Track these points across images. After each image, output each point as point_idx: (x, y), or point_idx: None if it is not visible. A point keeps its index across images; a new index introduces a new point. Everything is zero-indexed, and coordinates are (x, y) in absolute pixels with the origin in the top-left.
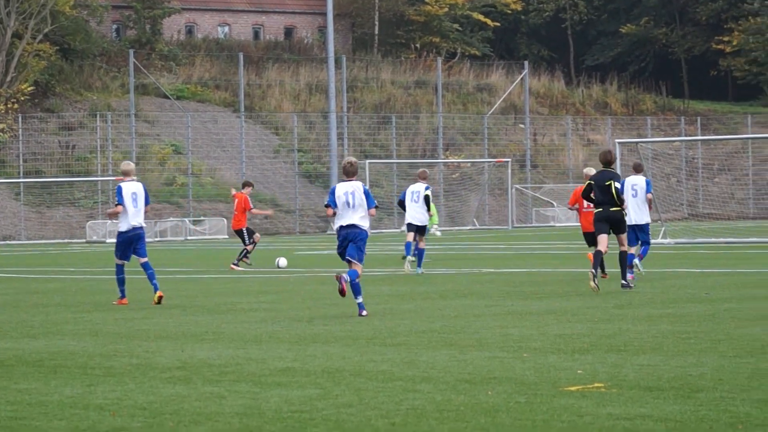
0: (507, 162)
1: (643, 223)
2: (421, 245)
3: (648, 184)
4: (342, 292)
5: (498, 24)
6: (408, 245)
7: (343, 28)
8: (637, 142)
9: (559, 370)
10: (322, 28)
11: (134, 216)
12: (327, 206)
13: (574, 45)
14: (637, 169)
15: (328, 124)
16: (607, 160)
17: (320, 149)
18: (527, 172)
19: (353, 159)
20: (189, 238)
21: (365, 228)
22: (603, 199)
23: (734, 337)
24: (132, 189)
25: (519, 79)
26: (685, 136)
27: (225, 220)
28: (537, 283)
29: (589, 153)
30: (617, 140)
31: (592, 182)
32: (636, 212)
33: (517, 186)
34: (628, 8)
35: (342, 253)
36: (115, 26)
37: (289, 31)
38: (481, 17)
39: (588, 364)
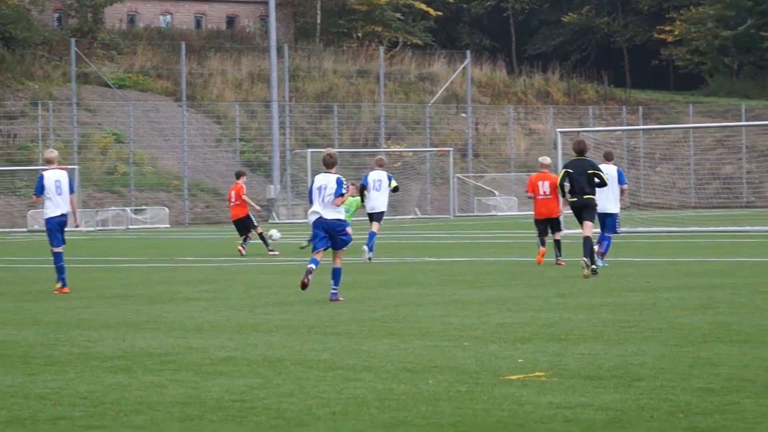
0: (449, 151)
1: (612, 212)
2: (374, 229)
3: (620, 174)
4: (303, 285)
5: (440, 13)
6: (372, 234)
7: (285, 17)
8: (578, 131)
9: (500, 359)
10: (264, 17)
11: (59, 203)
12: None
13: (516, 34)
14: (608, 158)
15: (269, 113)
16: (581, 149)
17: (262, 138)
18: (469, 161)
19: (333, 150)
20: (130, 227)
21: (342, 218)
22: (583, 188)
23: (675, 326)
24: (55, 177)
25: (461, 68)
26: (627, 125)
27: (166, 209)
28: (478, 272)
29: (530, 142)
30: (559, 129)
31: (570, 171)
32: (606, 201)
33: (459, 175)
34: None
35: (321, 242)
36: (56, 15)
37: (231, 20)
38: (423, 6)
39: (529, 353)
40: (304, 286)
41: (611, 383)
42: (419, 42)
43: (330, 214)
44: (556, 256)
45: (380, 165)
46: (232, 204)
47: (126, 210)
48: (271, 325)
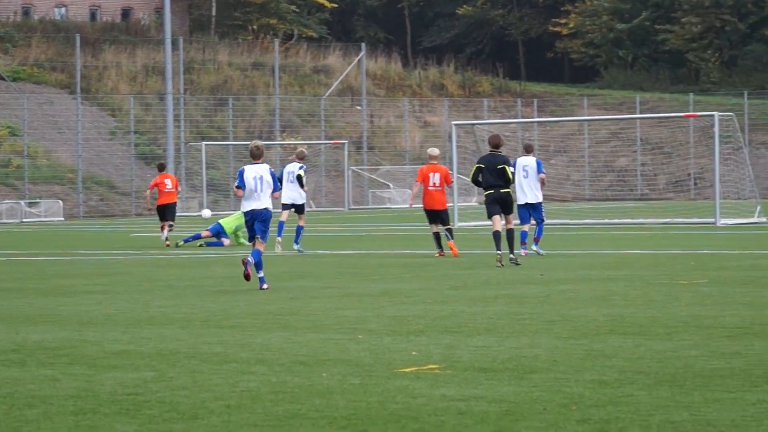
0: (343, 144)
1: (536, 202)
2: (301, 223)
3: (539, 164)
4: (247, 277)
5: (335, 6)
6: (281, 224)
7: (180, 10)
8: (473, 124)
9: (393, 351)
10: (159, 10)
11: None
12: (237, 188)
13: (411, 27)
14: (528, 150)
15: (164, 105)
16: (496, 144)
17: (157, 131)
18: (364, 154)
19: (260, 142)
20: (24, 220)
21: (270, 209)
22: (494, 182)
23: (568, 318)
24: None
25: (356, 61)
26: (522, 117)
27: (60, 202)
28: (373, 265)
29: (425, 135)
30: (453, 122)
31: (482, 165)
32: (529, 192)
33: (354, 168)
34: None
35: (252, 237)
36: None
37: (126, 13)
38: None
39: (422, 345)
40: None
41: (505, 376)
42: (314, 34)
43: (263, 204)
44: (439, 247)
45: (300, 158)
46: (167, 190)
47: (20, 203)
48: (165, 319)
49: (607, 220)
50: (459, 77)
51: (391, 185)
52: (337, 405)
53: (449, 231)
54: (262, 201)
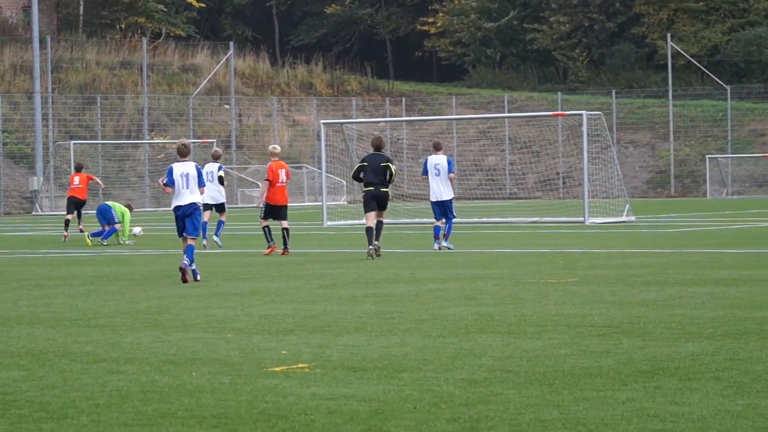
0: (212, 143)
1: (447, 199)
2: (222, 218)
3: (449, 163)
4: (184, 281)
5: (203, 5)
6: (204, 225)
7: (48, 8)
8: (342, 123)
9: (263, 350)
10: (26, 8)
11: None
12: (165, 185)
13: (279, 25)
14: (437, 148)
15: (32, 104)
16: (378, 146)
17: (25, 130)
18: (233, 152)
19: (186, 140)
20: None
21: (199, 204)
22: (374, 180)
23: (438, 317)
24: None
25: (224, 59)
26: (390, 116)
27: None
28: (242, 264)
29: (294, 133)
30: (322, 121)
31: (365, 164)
32: (439, 190)
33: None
34: None
35: (181, 230)
36: None
37: None
38: None
39: (292, 344)
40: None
41: (374, 374)
42: (182, 33)
43: (188, 200)
44: (284, 246)
45: (216, 158)
46: (75, 186)
47: None
48: (35, 318)
49: (476, 219)
50: (327, 76)
51: (260, 184)
52: (206, 404)
53: (287, 235)
54: (188, 197)
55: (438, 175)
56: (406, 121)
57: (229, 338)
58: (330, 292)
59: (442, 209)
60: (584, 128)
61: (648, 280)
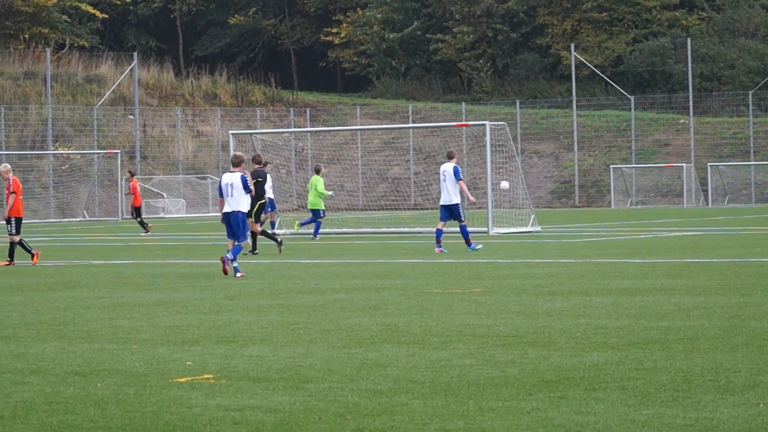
0: (117, 153)
1: (453, 203)
2: None
3: (456, 170)
4: (225, 272)
5: (106, 16)
6: None
7: None
8: (250, 133)
9: (168, 361)
10: None
11: None
12: (220, 197)
13: (183, 36)
14: (449, 156)
15: None
16: (258, 161)
17: None
18: (137, 163)
19: (239, 153)
20: None
21: (242, 211)
22: (258, 193)
23: (343, 327)
24: None
25: (128, 70)
26: (295, 127)
27: None
28: (147, 275)
29: (199, 144)
30: (230, 131)
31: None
32: (445, 195)
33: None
34: None
35: (229, 233)
36: None
37: None
38: (89, 9)
39: (197, 355)
40: (226, 272)
41: (280, 385)
42: (86, 44)
43: (234, 207)
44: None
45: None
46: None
47: None
48: None
49: (382, 229)
50: (232, 86)
51: (165, 195)
52: (112, 415)
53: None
54: (232, 205)
55: (444, 180)
56: (310, 131)
57: (134, 349)
58: (235, 302)
59: (450, 213)
60: (488, 138)
61: (553, 290)
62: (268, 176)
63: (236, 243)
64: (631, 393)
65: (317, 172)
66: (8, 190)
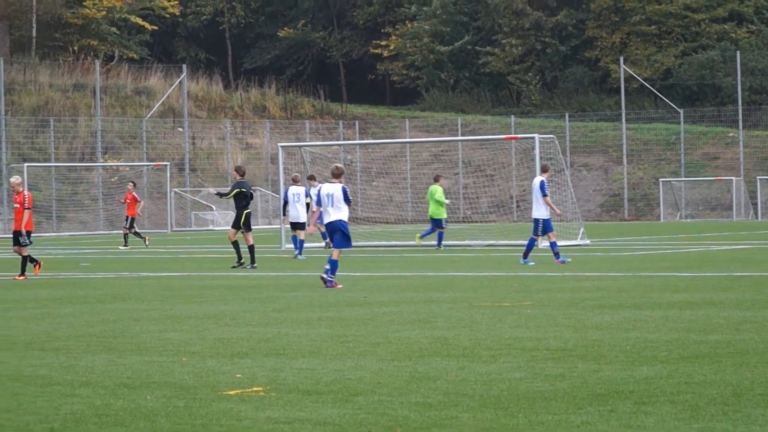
0: (166, 165)
1: (534, 217)
2: (301, 236)
3: (542, 184)
4: (328, 286)
5: (156, 27)
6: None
7: (0, 31)
8: (299, 146)
9: (218, 374)
10: None
11: None
12: (317, 205)
13: (232, 48)
14: (543, 170)
15: None
16: (242, 173)
17: None
18: (186, 175)
19: (340, 164)
20: None
21: (344, 220)
22: (241, 204)
23: (392, 340)
24: None
25: (177, 82)
26: (344, 139)
27: None
28: (196, 287)
29: (247, 156)
30: (280, 144)
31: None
32: (534, 208)
33: (176, 189)
34: (286, 11)
35: (330, 242)
36: None
37: None
38: (138, 21)
39: (247, 368)
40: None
41: (329, 398)
42: (135, 56)
43: (335, 216)
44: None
45: (296, 181)
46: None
47: None
48: None
49: (432, 242)
50: (281, 99)
51: (214, 207)
52: (162, 428)
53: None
54: (333, 214)
55: (533, 194)
56: (359, 144)
57: (184, 361)
58: (284, 315)
59: (535, 225)
60: (537, 151)
61: (602, 304)
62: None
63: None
64: (680, 407)
65: (436, 180)
66: (21, 204)
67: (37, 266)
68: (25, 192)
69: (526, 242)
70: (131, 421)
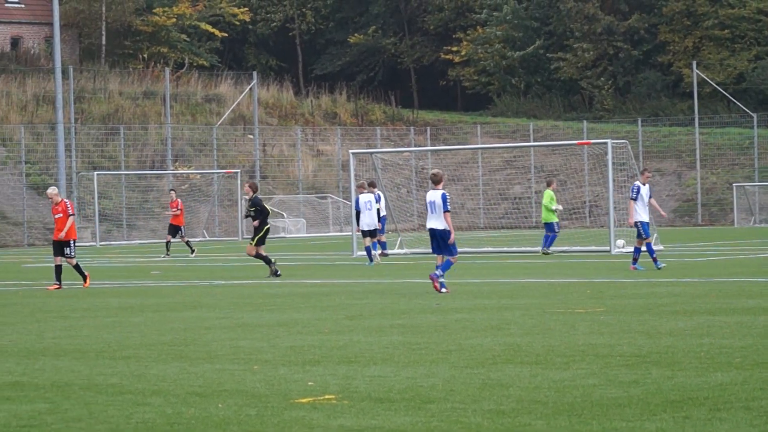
0: (236, 173)
1: (642, 221)
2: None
3: (649, 189)
4: (436, 289)
5: (226, 34)
6: (374, 245)
7: (70, 39)
8: (370, 153)
9: (289, 382)
10: (48, 39)
11: None
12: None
13: (302, 55)
14: (643, 173)
15: (55, 135)
16: (255, 188)
17: (48, 161)
18: (257, 183)
19: (438, 170)
20: None
21: (446, 228)
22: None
23: (465, 347)
24: None
25: (248, 89)
26: (415, 146)
27: None
28: (267, 295)
29: (318, 163)
30: (351, 151)
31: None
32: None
33: (247, 197)
34: (356, 17)
35: (435, 249)
36: None
37: (15, 42)
38: (209, 28)
39: (319, 375)
40: (437, 289)
41: (402, 405)
42: (205, 63)
43: (439, 225)
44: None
45: (365, 188)
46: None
47: None
48: (59, 350)
49: (505, 249)
50: (351, 105)
51: (285, 214)
52: None
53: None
54: (435, 221)
55: (641, 198)
56: (430, 150)
57: (255, 370)
58: (356, 323)
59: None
60: (609, 157)
61: (676, 310)
62: (381, 196)
63: (445, 258)
64: (756, 413)
65: (549, 185)
66: (65, 213)
67: (86, 279)
68: (66, 200)
69: (595, 248)
70: (203, 430)
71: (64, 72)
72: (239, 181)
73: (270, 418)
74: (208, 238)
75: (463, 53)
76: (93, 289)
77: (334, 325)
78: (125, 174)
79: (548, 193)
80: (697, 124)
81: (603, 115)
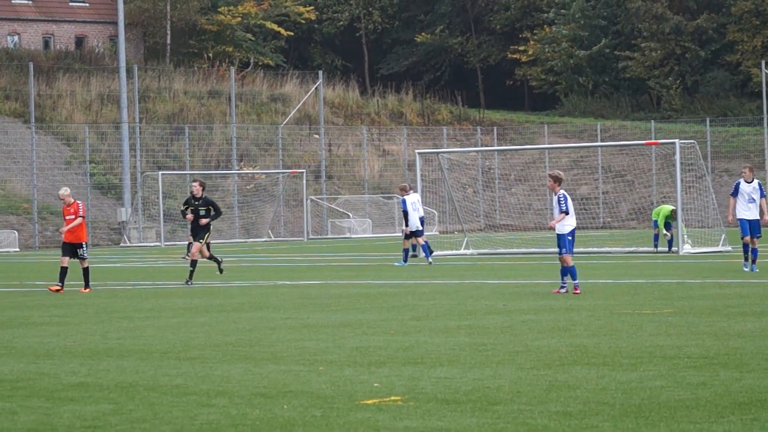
0: (302, 173)
1: (753, 219)
2: (420, 241)
3: (760, 187)
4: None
5: (291, 33)
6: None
7: (135, 38)
8: (437, 152)
9: (355, 383)
10: (113, 38)
11: None
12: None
13: (368, 54)
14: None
15: (120, 134)
16: (204, 187)
17: (113, 160)
18: (322, 183)
19: (556, 171)
20: None
21: (561, 231)
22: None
23: (531, 348)
24: None
25: (313, 88)
26: (482, 146)
27: (16, 232)
28: (333, 295)
29: (384, 163)
30: (417, 150)
31: None
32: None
33: (312, 197)
34: (422, 17)
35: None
36: None
37: (80, 41)
38: (274, 27)
39: (384, 377)
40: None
41: (468, 407)
42: (271, 62)
43: (557, 229)
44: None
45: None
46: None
47: None
48: (124, 350)
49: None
50: (418, 105)
51: (351, 214)
52: None
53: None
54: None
55: (753, 200)
56: (497, 150)
57: (320, 371)
58: (422, 323)
59: (752, 227)
60: (677, 157)
61: (744, 311)
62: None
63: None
64: None
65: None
66: (76, 214)
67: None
68: (79, 201)
69: (661, 249)
70: (267, 431)
71: (129, 71)
72: (305, 181)
73: (335, 420)
74: (273, 239)
75: (530, 52)
76: (157, 290)
77: (399, 326)
78: (190, 174)
79: (662, 209)
80: (765, 124)
81: (671, 115)
